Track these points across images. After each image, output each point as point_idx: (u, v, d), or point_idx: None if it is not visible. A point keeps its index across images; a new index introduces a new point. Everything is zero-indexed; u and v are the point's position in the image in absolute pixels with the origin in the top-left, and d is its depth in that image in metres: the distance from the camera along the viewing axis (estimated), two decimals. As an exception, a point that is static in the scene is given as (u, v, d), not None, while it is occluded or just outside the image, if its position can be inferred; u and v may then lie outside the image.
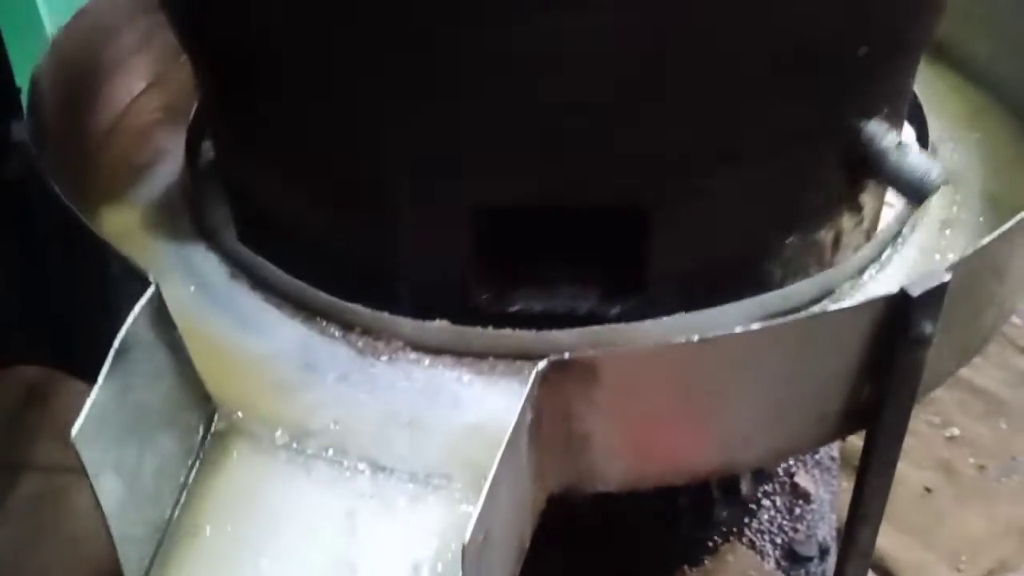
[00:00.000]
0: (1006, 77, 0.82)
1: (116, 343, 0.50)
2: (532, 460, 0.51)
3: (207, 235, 0.73)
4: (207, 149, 0.80)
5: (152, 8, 0.82)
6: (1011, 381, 1.35)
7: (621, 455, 0.52)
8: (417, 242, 0.58)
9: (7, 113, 0.71)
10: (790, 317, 0.52)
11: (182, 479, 0.57)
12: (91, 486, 0.49)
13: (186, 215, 0.75)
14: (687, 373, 0.48)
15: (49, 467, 0.76)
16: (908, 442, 1.40)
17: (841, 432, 0.56)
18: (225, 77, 0.66)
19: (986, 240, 0.51)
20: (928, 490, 1.22)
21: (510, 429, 0.45)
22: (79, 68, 0.80)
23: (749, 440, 0.53)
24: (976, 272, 0.52)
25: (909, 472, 1.24)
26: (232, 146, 0.71)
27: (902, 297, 0.48)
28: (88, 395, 0.74)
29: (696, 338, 0.47)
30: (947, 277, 0.48)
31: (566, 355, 0.47)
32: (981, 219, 0.69)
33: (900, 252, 0.67)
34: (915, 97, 0.78)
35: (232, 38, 0.61)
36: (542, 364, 0.47)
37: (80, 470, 0.78)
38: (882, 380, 0.52)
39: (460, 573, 0.44)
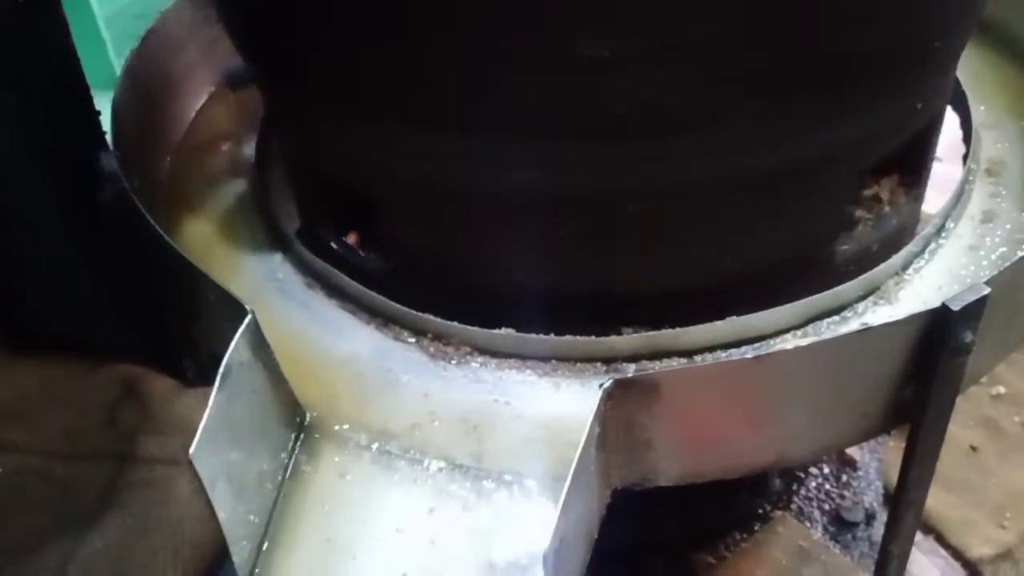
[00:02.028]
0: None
1: (221, 369, 0.55)
2: (599, 464, 0.55)
3: (283, 245, 0.78)
4: (276, 156, 0.85)
5: (215, 19, 0.86)
6: (1058, 337, 1.35)
7: (680, 456, 0.56)
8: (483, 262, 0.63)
9: (94, 143, 0.76)
10: (838, 333, 0.56)
11: (280, 480, 0.63)
12: (206, 495, 0.56)
13: (261, 224, 0.80)
14: (741, 387, 0.53)
15: (150, 458, 0.83)
16: (956, 404, 1.41)
17: (885, 428, 0.59)
18: (288, 100, 0.70)
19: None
20: (973, 448, 1.24)
21: (581, 444, 0.50)
22: (152, 87, 0.85)
23: (798, 439, 0.57)
24: (1013, 283, 0.55)
25: (955, 431, 1.26)
26: (295, 165, 0.75)
27: (944, 311, 0.51)
28: (180, 392, 0.80)
29: (750, 356, 0.51)
30: (986, 291, 0.51)
31: (630, 374, 0.51)
32: (1024, 214, 0.71)
33: (943, 246, 0.69)
34: (957, 83, 0.80)
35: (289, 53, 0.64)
36: (608, 383, 0.51)
37: (179, 463, 0.85)
38: (924, 383, 0.55)
39: (535, 565, 0.49)
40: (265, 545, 0.61)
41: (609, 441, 0.54)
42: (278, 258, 0.77)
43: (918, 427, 0.58)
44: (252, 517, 0.60)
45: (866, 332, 0.51)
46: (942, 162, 0.81)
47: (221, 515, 0.56)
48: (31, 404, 0.86)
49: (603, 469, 0.56)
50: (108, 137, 0.76)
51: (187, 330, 0.80)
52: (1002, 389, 1.32)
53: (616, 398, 0.51)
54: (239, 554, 0.58)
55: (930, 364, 0.54)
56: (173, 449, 0.82)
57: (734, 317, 0.63)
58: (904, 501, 0.62)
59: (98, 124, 0.79)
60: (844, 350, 0.52)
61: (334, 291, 0.73)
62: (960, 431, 1.27)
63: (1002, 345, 0.61)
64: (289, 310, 0.73)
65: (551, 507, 0.53)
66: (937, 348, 0.53)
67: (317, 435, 0.65)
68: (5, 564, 0.77)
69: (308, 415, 0.65)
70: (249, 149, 0.87)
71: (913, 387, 0.56)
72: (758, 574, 0.81)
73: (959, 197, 0.73)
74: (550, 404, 0.64)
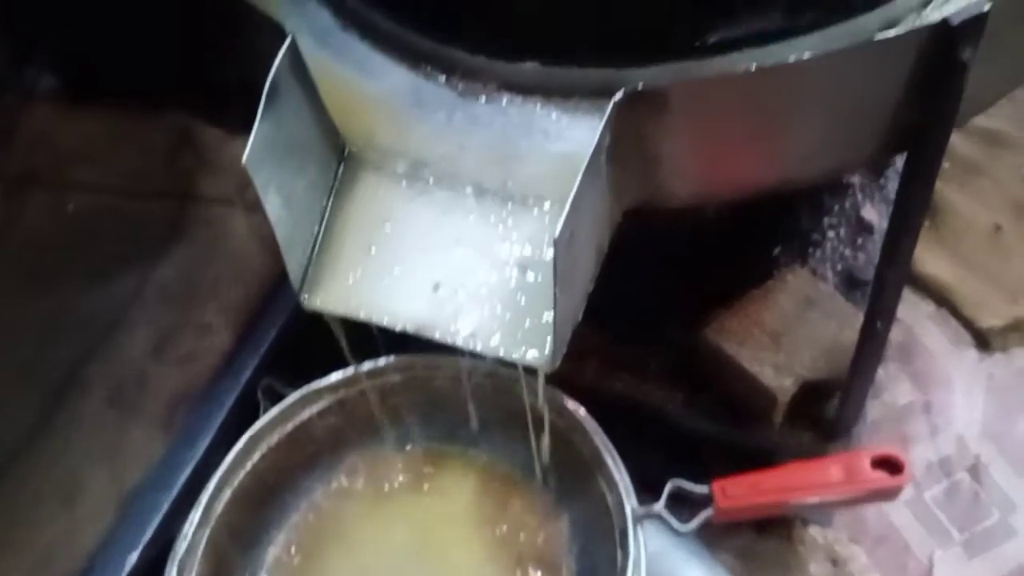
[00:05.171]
0: None
1: (267, 84, 0.60)
2: (610, 179, 0.60)
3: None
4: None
5: None
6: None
7: (688, 173, 0.61)
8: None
9: None
10: (841, 46, 0.58)
11: (326, 200, 0.70)
12: (260, 201, 0.62)
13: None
14: (747, 99, 0.56)
15: (208, 198, 0.90)
16: (985, 185, 1.43)
17: (888, 151, 0.63)
18: None
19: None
20: (998, 227, 1.27)
21: (591, 149, 0.55)
22: None
23: (804, 159, 0.62)
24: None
25: (980, 212, 1.29)
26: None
27: (943, 26, 0.53)
28: (230, 139, 0.86)
29: (754, 67, 0.54)
30: (987, 7, 0.53)
31: (640, 85, 0.55)
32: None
33: (967, -15, 0.70)
34: None
35: None
36: (619, 95, 0.55)
37: (233, 203, 0.92)
38: (925, 104, 0.58)
39: (550, 265, 0.56)
40: (313, 256, 0.69)
41: (620, 154, 0.59)
42: (314, 2, 0.80)
43: (916, 153, 0.62)
44: (301, 227, 0.67)
45: (866, 45, 0.54)
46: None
47: (272, 218, 0.63)
48: (98, 147, 0.93)
49: (615, 182, 0.61)
50: None
51: (233, 75, 0.84)
52: (1033, 172, 1.33)
53: (627, 109, 0.56)
54: (290, 258, 0.66)
55: (931, 83, 0.56)
56: (228, 189, 0.89)
57: (753, 50, 0.65)
58: (900, 227, 0.66)
59: None
60: (845, 64, 0.55)
61: (368, 32, 0.76)
62: (986, 213, 1.30)
63: (1010, 74, 0.63)
64: (326, 51, 0.77)
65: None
66: (936, 65, 0.55)
67: (357, 163, 0.71)
68: (90, 286, 0.86)
69: (348, 143, 0.71)
70: None
71: (915, 111, 0.59)
72: (765, 316, 0.88)
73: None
74: (571, 136, 0.69)
